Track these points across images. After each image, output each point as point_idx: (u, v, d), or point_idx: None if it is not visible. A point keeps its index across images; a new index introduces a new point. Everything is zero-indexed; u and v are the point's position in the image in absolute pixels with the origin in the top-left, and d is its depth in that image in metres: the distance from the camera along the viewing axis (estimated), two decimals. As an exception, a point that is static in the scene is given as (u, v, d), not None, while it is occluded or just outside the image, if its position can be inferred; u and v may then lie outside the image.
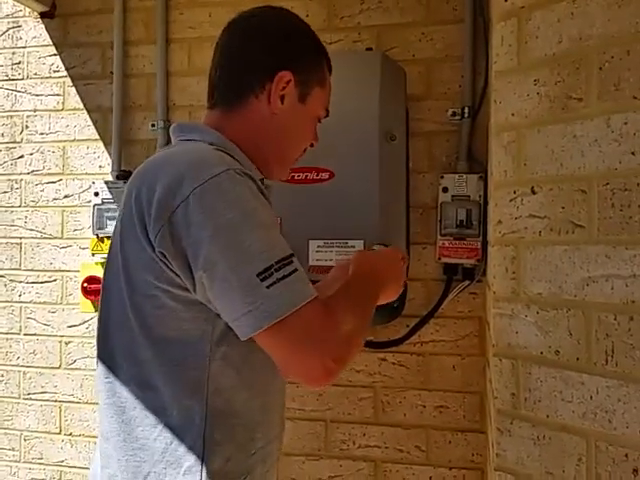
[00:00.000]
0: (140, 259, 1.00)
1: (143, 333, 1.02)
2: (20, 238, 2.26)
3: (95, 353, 1.13)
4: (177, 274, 0.97)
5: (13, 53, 2.26)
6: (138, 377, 1.04)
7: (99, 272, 2.07)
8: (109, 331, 1.08)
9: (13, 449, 2.26)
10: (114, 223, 1.76)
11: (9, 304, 2.27)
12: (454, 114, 1.86)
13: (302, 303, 0.94)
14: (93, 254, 2.14)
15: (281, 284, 0.93)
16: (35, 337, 2.24)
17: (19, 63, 2.26)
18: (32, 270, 2.25)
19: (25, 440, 2.25)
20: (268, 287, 0.92)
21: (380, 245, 1.44)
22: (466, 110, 1.84)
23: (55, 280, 2.22)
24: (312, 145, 1.26)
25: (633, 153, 1.08)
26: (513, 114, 1.26)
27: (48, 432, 2.23)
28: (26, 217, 2.25)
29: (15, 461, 2.26)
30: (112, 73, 2.13)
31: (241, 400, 1.06)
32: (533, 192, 1.23)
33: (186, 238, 0.94)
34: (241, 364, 1.06)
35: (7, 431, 2.27)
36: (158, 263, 0.97)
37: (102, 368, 1.09)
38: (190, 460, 1.01)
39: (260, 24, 1.17)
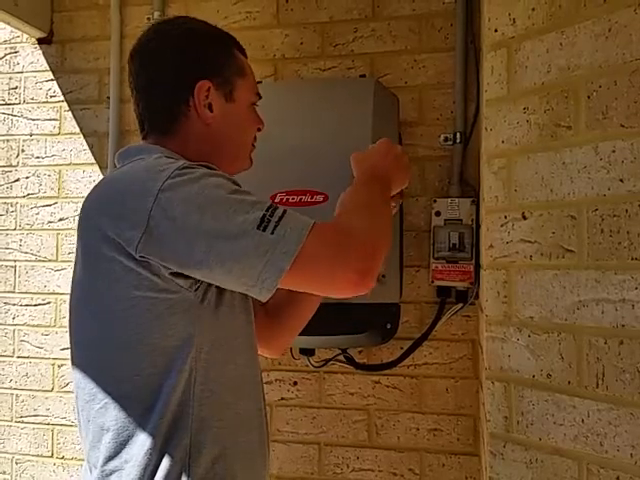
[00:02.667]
0: (112, 276, 1.03)
1: (124, 347, 1.04)
2: (14, 261, 2.26)
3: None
4: (159, 276, 1.00)
5: (10, 78, 2.28)
6: (120, 393, 1.05)
7: (94, 295, 2.07)
8: (83, 354, 1.12)
9: (4, 472, 2.24)
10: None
11: (2, 327, 2.26)
12: (446, 139, 1.88)
13: (308, 232, 0.97)
14: (88, 277, 2.15)
15: (281, 225, 0.96)
16: (28, 360, 2.24)
17: (16, 88, 2.28)
18: (26, 293, 2.25)
19: (17, 464, 2.23)
20: (272, 233, 0.96)
21: None
22: (458, 135, 1.86)
23: (49, 303, 2.23)
24: (259, 129, 1.27)
25: (621, 180, 1.11)
26: (503, 141, 1.29)
27: (40, 455, 2.22)
28: (21, 240, 2.25)
29: (6, 485, 2.24)
30: (109, 98, 2.16)
31: (225, 403, 1.09)
32: (524, 217, 1.26)
33: (174, 233, 0.97)
34: (225, 366, 1.09)
35: (-1, 455, 2.26)
36: (136, 270, 1.00)
37: (80, 391, 1.10)
38: (177, 465, 1.02)
39: (159, 46, 1.17)
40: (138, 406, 1.04)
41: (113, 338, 1.06)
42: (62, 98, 2.23)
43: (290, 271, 0.96)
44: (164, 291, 1.01)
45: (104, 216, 1.04)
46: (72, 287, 1.14)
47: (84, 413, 1.10)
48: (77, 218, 2.18)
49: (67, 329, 2.15)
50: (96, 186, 1.12)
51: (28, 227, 2.25)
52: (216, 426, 1.07)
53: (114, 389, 1.06)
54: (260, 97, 1.26)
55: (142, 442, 1.02)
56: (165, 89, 1.15)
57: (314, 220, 1.00)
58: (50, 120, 2.24)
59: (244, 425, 1.12)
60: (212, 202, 0.98)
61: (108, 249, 1.01)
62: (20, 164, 2.26)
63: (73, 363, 1.13)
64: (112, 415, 1.04)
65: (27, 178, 2.25)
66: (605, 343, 1.12)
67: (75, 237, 2.18)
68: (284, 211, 0.99)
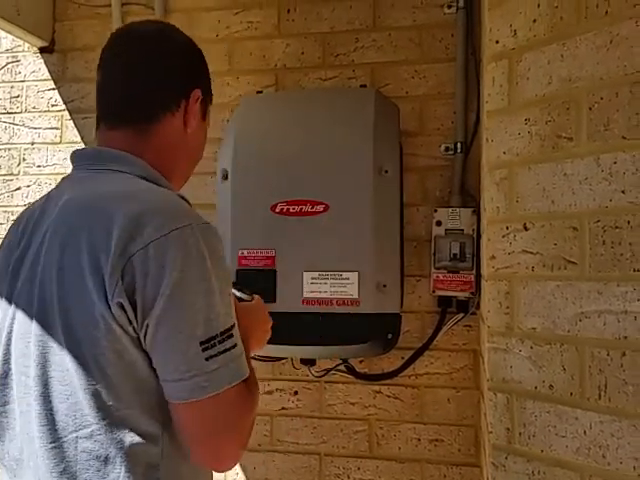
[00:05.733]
0: (87, 313, 0.91)
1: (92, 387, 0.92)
2: (15, 270, 2.26)
3: None
4: (122, 327, 0.90)
5: (12, 87, 2.29)
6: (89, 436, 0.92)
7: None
8: (46, 392, 0.95)
9: None
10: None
11: (3, 336, 2.26)
12: (447, 149, 1.89)
13: (233, 384, 0.91)
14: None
15: (220, 358, 0.90)
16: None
17: (17, 97, 2.28)
18: (26, 302, 2.24)
19: None
20: (207, 359, 0.89)
21: (241, 292, 1.42)
22: (459, 145, 1.87)
23: (49, 312, 2.22)
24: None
25: (623, 192, 1.11)
26: (505, 152, 1.29)
27: None
28: (21, 249, 2.25)
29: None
30: (110, 107, 2.16)
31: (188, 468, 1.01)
32: (525, 228, 1.26)
33: (141, 288, 0.89)
34: None
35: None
36: (106, 319, 0.89)
37: (38, 433, 0.94)
38: None
39: (169, 42, 1.11)
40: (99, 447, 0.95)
41: (76, 377, 0.95)
42: (63, 107, 2.23)
43: (191, 404, 0.89)
44: (128, 340, 0.93)
45: (100, 245, 0.92)
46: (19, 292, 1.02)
47: None
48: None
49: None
50: (89, 194, 1.00)
51: (29, 236, 2.24)
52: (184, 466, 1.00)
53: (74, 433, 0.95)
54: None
55: None
56: (164, 82, 1.08)
57: (247, 374, 0.94)
58: (51, 129, 2.24)
59: None
60: (185, 287, 0.89)
61: (94, 284, 0.92)
62: (21, 173, 2.26)
63: None
64: (64, 459, 0.95)
65: (28, 187, 2.25)
66: (607, 355, 1.12)
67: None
68: (233, 346, 0.92)
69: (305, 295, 1.68)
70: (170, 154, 1.08)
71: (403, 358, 1.91)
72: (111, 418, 0.90)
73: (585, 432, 1.14)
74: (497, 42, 1.31)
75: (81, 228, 0.93)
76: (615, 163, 1.12)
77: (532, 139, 1.25)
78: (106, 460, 0.91)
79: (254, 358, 1.94)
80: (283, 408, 2.00)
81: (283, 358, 1.96)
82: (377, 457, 1.94)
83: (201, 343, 0.89)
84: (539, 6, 1.24)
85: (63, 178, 1.10)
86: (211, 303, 0.91)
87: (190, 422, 0.92)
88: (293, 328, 1.67)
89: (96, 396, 0.90)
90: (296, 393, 1.99)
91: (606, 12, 1.14)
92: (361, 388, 1.96)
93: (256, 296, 1.28)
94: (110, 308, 0.89)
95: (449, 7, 1.90)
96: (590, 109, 1.16)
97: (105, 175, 1.03)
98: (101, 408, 0.90)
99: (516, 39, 1.28)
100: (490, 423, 1.30)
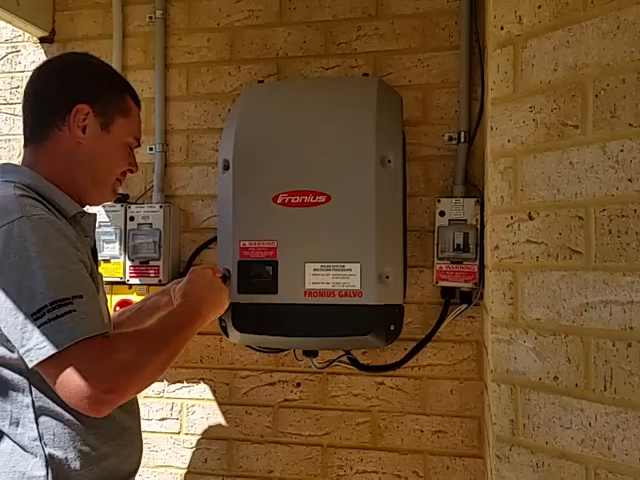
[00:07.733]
0: None
1: None
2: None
3: None
4: None
5: (12, 77, 2.27)
6: None
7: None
8: None
9: None
10: (111, 246, 1.85)
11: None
12: (450, 139, 1.87)
13: (70, 343, 1.03)
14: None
15: (51, 324, 1.03)
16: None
17: (18, 87, 2.26)
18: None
19: None
20: (40, 326, 1.03)
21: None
22: (462, 135, 1.85)
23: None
24: (131, 171, 1.39)
25: (630, 180, 1.09)
26: (509, 140, 1.28)
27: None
28: (22, 240, 2.24)
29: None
30: (110, 97, 2.14)
31: (70, 415, 1.16)
32: (530, 218, 1.24)
33: None
34: None
35: None
36: None
37: None
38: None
39: (58, 67, 1.33)
40: None
41: None
42: (64, 97, 2.21)
43: (42, 365, 1.04)
44: None
45: None
46: None
47: None
48: (79, 218, 2.17)
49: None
50: None
51: (30, 227, 2.23)
52: (67, 438, 1.19)
53: None
54: (139, 145, 1.40)
55: None
56: (48, 102, 1.28)
57: (92, 333, 1.06)
58: (52, 120, 2.22)
59: None
60: (13, 269, 1.06)
61: None
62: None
63: None
64: None
65: (29, 178, 2.24)
66: (613, 345, 1.11)
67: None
68: (68, 311, 1.04)
69: (307, 286, 1.66)
70: (64, 164, 1.26)
71: (406, 349, 1.89)
72: None
73: (590, 424, 1.13)
74: (502, 28, 1.29)
75: None
76: (622, 151, 1.10)
77: (537, 127, 1.23)
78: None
79: (259, 350, 1.94)
80: (286, 400, 1.99)
81: (285, 350, 1.96)
82: (380, 448, 1.93)
83: (32, 315, 1.03)
84: (544, -8, 1.22)
85: None
86: (38, 279, 1.05)
87: (50, 378, 1.06)
88: (295, 320, 1.65)
89: None
90: (299, 385, 1.99)
91: (613, -3, 1.12)
92: (364, 379, 1.95)
93: (200, 266, 1.60)
94: None
95: (452, -6, 1.88)
96: (596, 96, 1.14)
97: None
98: None
99: (521, 25, 1.26)
100: (494, 414, 1.29)
